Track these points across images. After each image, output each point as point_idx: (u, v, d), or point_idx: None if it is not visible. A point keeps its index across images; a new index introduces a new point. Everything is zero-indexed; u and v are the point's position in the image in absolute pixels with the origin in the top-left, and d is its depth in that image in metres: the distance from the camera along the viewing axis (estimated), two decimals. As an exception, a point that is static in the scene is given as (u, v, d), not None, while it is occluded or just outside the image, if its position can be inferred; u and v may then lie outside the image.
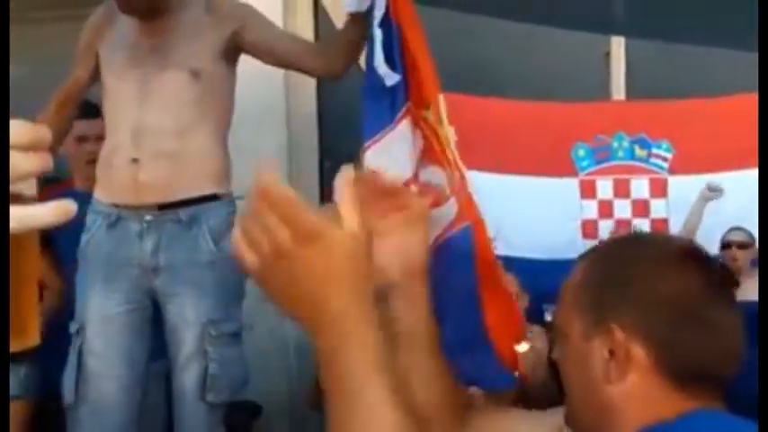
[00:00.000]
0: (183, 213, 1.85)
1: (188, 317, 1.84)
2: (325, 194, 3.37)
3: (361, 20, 1.70)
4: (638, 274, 0.80)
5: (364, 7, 1.66)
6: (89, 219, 1.93)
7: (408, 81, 1.65)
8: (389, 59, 1.64)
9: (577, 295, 0.85)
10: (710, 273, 0.81)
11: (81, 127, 2.30)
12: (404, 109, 1.64)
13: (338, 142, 3.34)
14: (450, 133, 1.67)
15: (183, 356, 1.86)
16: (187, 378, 1.85)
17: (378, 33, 1.63)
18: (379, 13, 1.61)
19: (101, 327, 1.86)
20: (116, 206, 1.89)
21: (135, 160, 1.84)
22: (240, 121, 3.14)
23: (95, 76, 2.00)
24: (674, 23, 2.56)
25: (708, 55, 3.44)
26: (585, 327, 0.81)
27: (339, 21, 3.29)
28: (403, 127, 1.64)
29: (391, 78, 1.63)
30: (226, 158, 1.96)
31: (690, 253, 0.83)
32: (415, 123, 1.65)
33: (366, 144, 1.64)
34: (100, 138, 2.09)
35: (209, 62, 1.87)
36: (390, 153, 1.63)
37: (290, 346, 3.16)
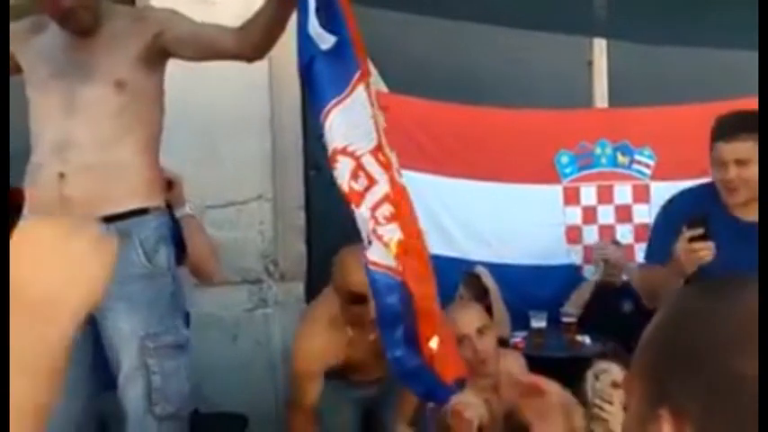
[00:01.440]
0: (113, 228, 1.81)
1: (125, 331, 1.82)
2: (310, 203, 3.36)
3: None
4: (713, 344, 0.57)
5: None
6: None
7: (355, 48, 1.63)
8: (328, 22, 1.61)
9: (642, 353, 0.64)
10: None
11: None
12: (357, 74, 1.62)
13: (322, 150, 3.33)
14: (380, 119, 1.66)
15: (124, 373, 1.84)
16: (132, 394, 1.84)
17: (311, 1, 1.60)
18: None
19: None
20: None
21: (61, 175, 1.81)
22: (224, 130, 3.14)
23: None
24: (655, 25, 2.59)
25: (689, 62, 3.49)
26: (643, 404, 0.61)
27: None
28: (359, 92, 1.61)
29: (326, 42, 1.60)
30: (154, 171, 1.93)
31: None
32: (368, 95, 1.64)
33: (326, 108, 1.60)
34: None
35: (133, 71, 1.85)
36: (351, 116, 1.61)
37: (276, 357, 3.14)
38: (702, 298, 0.62)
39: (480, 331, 2.21)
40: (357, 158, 1.61)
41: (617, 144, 3.53)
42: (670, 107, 3.47)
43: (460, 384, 1.72)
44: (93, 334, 1.89)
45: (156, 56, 1.89)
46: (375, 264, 1.59)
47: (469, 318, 2.24)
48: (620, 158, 3.53)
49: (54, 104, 1.84)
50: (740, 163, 2.00)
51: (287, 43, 3.28)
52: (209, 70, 2.93)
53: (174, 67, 2.56)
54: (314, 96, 1.65)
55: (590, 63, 3.66)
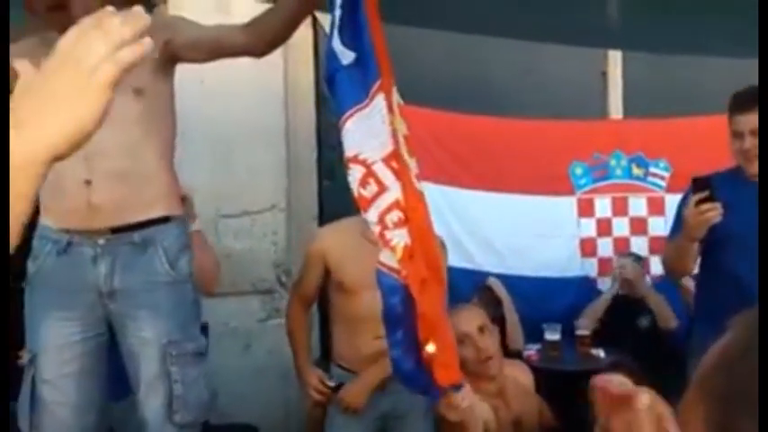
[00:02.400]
0: (138, 236, 1.83)
1: (147, 339, 1.82)
2: (324, 213, 3.36)
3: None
4: None
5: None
6: (35, 245, 1.86)
7: (378, 58, 1.68)
8: (350, 38, 1.66)
9: (709, 376, 0.61)
10: None
11: None
12: (377, 84, 1.67)
13: (337, 160, 3.34)
14: (401, 127, 1.72)
15: (144, 380, 1.82)
16: (152, 402, 1.82)
17: (338, 14, 1.65)
18: None
19: (55, 355, 1.83)
20: (67, 231, 1.83)
21: (88, 182, 1.79)
22: (239, 140, 3.16)
23: None
24: (669, 34, 2.58)
25: (704, 73, 3.47)
26: (708, 430, 0.59)
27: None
28: (377, 101, 1.66)
29: (347, 57, 1.66)
30: (173, 178, 1.93)
31: None
32: (388, 104, 1.69)
33: (344, 116, 1.66)
34: None
35: (149, 78, 1.84)
36: (367, 124, 1.66)
37: (288, 367, 3.13)
38: None
39: (481, 330, 2.21)
40: (368, 166, 1.66)
41: (632, 155, 3.51)
42: (685, 118, 3.44)
43: (456, 389, 1.74)
44: (108, 344, 1.89)
45: (168, 63, 1.89)
46: (383, 264, 1.66)
47: (470, 316, 2.25)
48: (636, 170, 3.51)
49: None
50: (755, 133, 2.13)
51: (302, 53, 3.32)
52: (225, 81, 2.96)
53: (189, 77, 2.58)
54: (335, 109, 1.71)
55: (604, 74, 3.65)
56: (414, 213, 1.67)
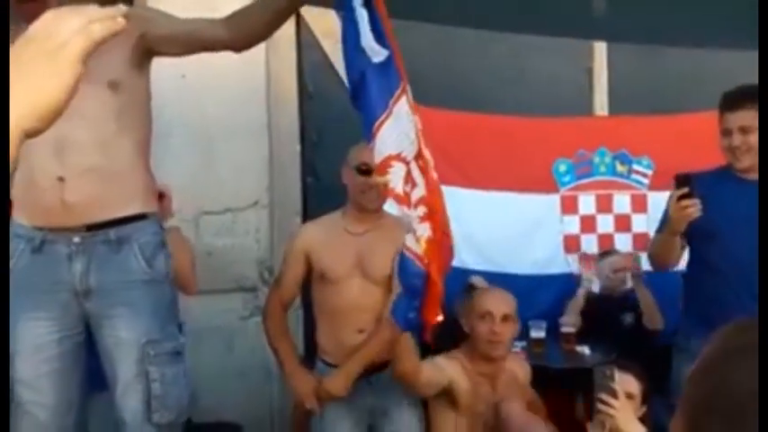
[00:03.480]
0: (114, 233, 1.80)
1: (124, 338, 1.79)
2: (307, 210, 3.34)
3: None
4: (743, 390, 0.55)
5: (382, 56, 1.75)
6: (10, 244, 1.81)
7: (397, 61, 1.75)
8: (379, 36, 1.72)
9: (685, 389, 0.64)
10: None
11: None
12: (401, 86, 1.76)
13: (320, 157, 3.32)
14: (415, 121, 1.82)
15: (122, 380, 1.80)
16: (130, 401, 1.80)
17: (363, 13, 1.69)
18: None
19: (31, 355, 1.79)
20: (40, 229, 1.79)
21: (60, 179, 1.75)
22: (221, 136, 3.12)
23: None
24: (655, 25, 2.59)
25: (690, 69, 3.48)
26: None
27: (321, 33, 3.29)
28: (402, 103, 1.76)
29: (379, 55, 1.71)
30: (149, 175, 1.90)
31: None
32: (410, 102, 1.78)
33: (380, 118, 1.74)
34: None
35: (125, 72, 1.81)
36: (399, 125, 1.75)
37: (271, 366, 3.11)
38: (740, 337, 0.60)
39: (505, 318, 2.30)
40: (407, 163, 1.79)
41: (616, 152, 3.52)
42: (668, 116, 3.46)
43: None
44: (86, 343, 1.86)
45: (144, 56, 1.85)
46: (408, 249, 1.83)
47: (500, 301, 2.36)
48: (619, 167, 3.52)
49: None
50: (744, 130, 2.21)
51: (285, 48, 3.29)
52: (207, 76, 2.92)
53: (170, 72, 2.54)
54: (365, 109, 1.77)
55: (589, 70, 3.65)
56: (432, 209, 1.81)
